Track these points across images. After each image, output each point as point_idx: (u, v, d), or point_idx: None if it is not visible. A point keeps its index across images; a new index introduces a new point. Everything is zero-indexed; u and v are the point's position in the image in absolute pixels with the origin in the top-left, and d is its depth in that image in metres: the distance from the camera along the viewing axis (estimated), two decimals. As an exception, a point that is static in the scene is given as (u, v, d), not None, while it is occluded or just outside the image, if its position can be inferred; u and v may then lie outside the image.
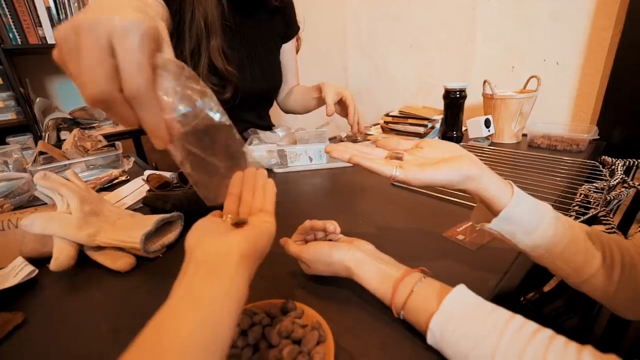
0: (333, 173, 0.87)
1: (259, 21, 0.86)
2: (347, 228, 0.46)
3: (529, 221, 0.36)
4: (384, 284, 0.36)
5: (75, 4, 1.66)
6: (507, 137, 1.00)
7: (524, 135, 1.03)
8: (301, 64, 1.07)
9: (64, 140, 1.25)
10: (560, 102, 1.09)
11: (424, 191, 0.69)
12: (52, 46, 0.27)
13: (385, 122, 1.18)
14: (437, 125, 1.07)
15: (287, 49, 0.96)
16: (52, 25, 1.62)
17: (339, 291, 0.41)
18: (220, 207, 0.35)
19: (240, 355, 0.30)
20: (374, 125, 1.33)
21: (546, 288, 0.75)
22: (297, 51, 1.00)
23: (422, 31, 1.37)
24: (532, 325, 0.29)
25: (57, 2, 1.62)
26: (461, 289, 0.32)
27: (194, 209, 0.60)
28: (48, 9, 1.61)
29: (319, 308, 0.36)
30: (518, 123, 0.98)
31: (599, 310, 0.61)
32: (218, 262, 0.26)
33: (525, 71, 1.09)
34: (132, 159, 1.00)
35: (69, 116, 1.75)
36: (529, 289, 0.76)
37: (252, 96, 0.88)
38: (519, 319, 0.29)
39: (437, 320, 0.31)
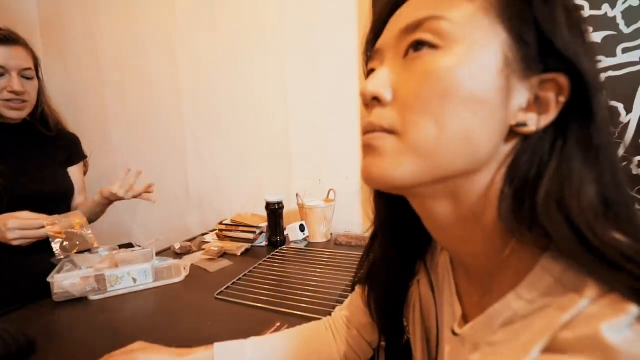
0: (160, 291, 0.88)
1: (39, 142, 1.05)
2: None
3: None
4: None
5: None
6: (319, 237, 1.25)
7: (332, 233, 1.30)
8: (145, 167, 1.10)
9: None
10: (354, 206, 1.44)
11: (243, 302, 0.78)
12: None
13: (219, 229, 1.28)
14: (265, 231, 1.23)
15: (72, 170, 1.14)
16: None
17: None
18: None
19: None
20: (211, 231, 1.40)
21: None
22: (85, 173, 1.20)
23: (251, 146, 1.62)
24: None
25: None
26: None
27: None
28: None
29: None
30: (324, 225, 1.25)
31: None
32: None
33: (328, 183, 1.42)
34: None
35: None
36: None
37: (37, 199, 0.98)
38: None
39: None
